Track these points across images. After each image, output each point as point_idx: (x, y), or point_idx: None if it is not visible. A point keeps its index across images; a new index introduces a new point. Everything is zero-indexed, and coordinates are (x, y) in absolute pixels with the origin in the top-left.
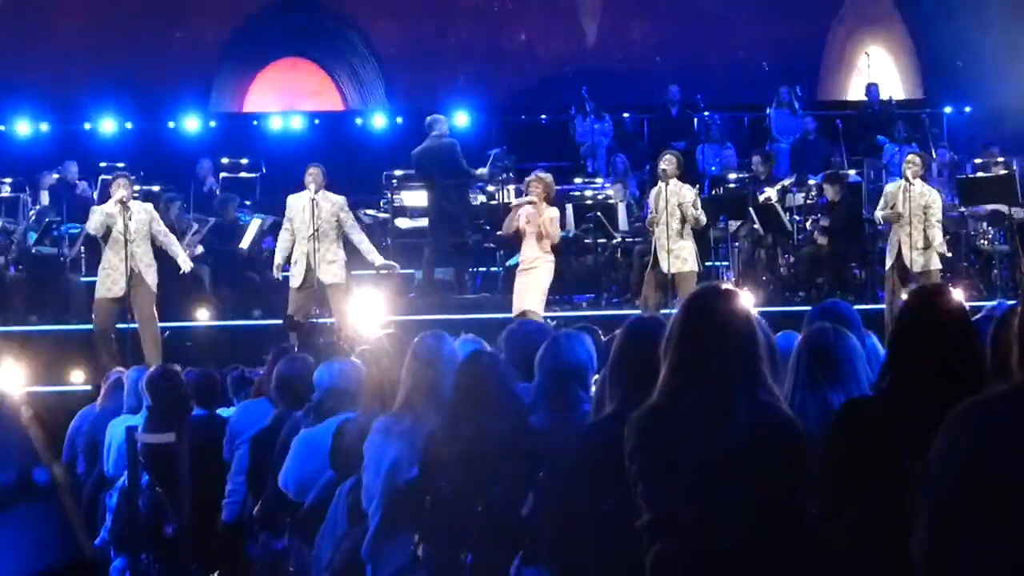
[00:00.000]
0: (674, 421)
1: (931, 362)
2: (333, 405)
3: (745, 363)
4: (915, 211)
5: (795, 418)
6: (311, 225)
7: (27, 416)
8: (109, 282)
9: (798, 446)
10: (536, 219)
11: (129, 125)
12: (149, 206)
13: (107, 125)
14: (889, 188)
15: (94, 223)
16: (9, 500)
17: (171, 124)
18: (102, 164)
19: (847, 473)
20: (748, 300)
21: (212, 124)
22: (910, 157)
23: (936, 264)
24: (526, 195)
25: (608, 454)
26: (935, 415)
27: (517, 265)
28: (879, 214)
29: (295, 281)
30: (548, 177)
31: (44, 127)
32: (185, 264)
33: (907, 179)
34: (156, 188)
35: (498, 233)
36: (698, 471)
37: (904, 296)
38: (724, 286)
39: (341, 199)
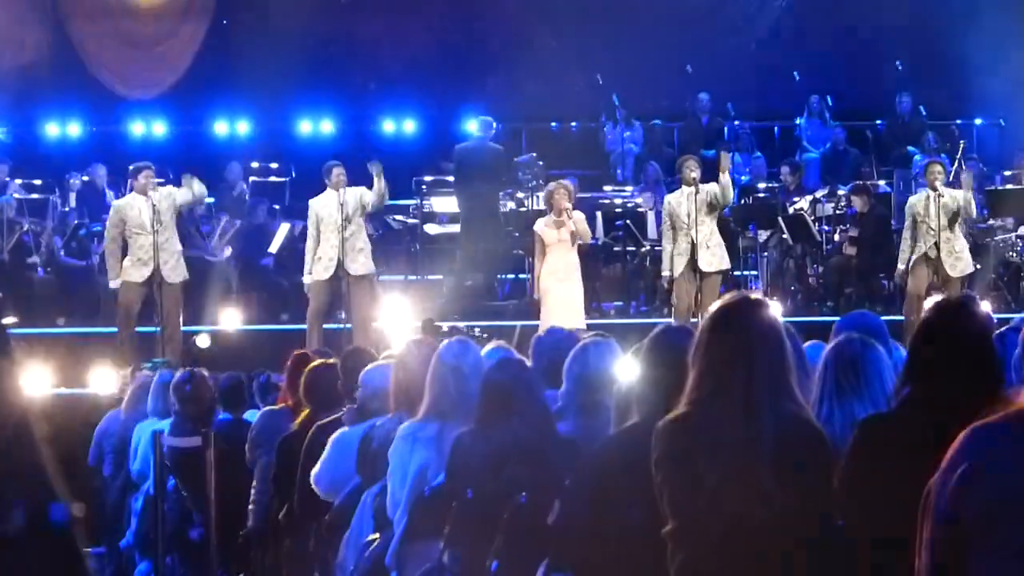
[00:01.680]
0: (701, 430)
1: (950, 379)
2: (377, 407)
3: (772, 372)
4: (947, 217)
5: (821, 427)
6: (339, 217)
7: (42, 440)
8: (132, 270)
9: (824, 455)
10: (567, 226)
11: (160, 128)
12: (170, 188)
13: (137, 128)
14: (913, 200)
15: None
16: (22, 539)
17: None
18: (131, 167)
19: (865, 488)
20: (776, 309)
21: (242, 128)
22: (933, 168)
23: (971, 267)
24: (550, 205)
25: (635, 462)
26: (950, 434)
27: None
28: (900, 269)
29: (324, 273)
30: (569, 184)
31: (73, 129)
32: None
33: (934, 188)
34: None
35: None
36: (724, 480)
37: (926, 307)
38: (752, 295)
39: (362, 188)
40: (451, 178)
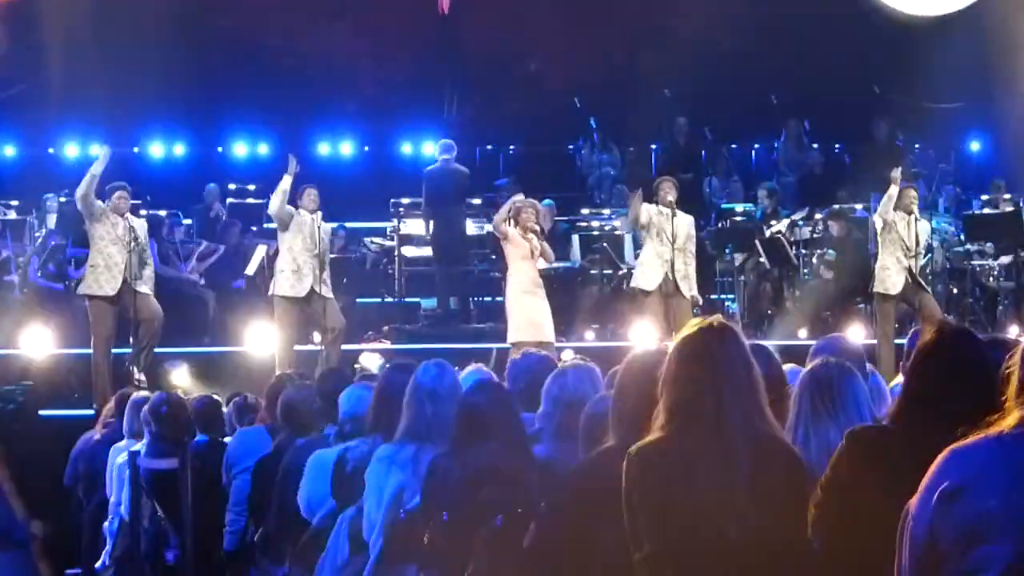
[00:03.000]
0: (673, 456)
1: (948, 399)
2: (353, 430)
3: (742, 397)
4: (923, 243)
5: (795, 448)
6: (316, 244)
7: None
8: (102, 280)
9: (798, 476)
10: (535, 244)
11: (136, 150)
12: (144, 223)
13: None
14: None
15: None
16: None
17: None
18: (107, 187)
19: (850, 499)
20: (740, 333)
21: (220, 149)
22: (909, 192)
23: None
24: (517, 222)
25: (609, 486)
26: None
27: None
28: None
29: (299, 289)
30: (537, 204)
31: (49, 150)
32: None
33: (910, 212)
34: (163, 212)
35: (492, 225)
36: (698, 505)
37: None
38: (717, 321)
39: (330, 227)
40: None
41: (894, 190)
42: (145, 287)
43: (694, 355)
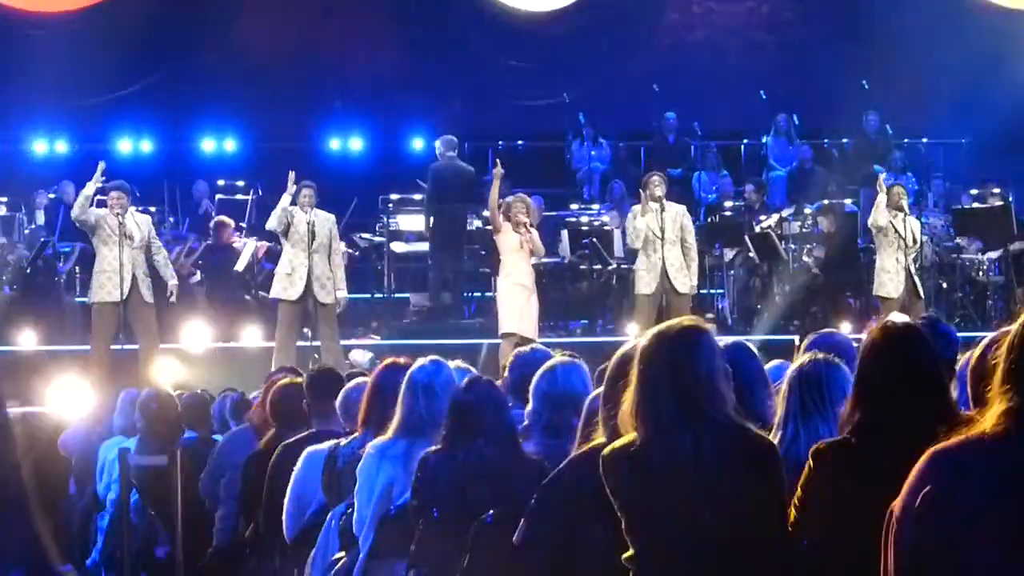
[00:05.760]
0: (647, 457)
1: (898, 403)
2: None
3: (708, 394)
4: (916, 239)
5: (766, 438)
6: (309, 243)
7: (33, 507)
8: (111, 285)
9: (772, 465)
10: (527, 238)
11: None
12: (148, 218)
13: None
14: (881, 218)
15: (79, 206)
16: None
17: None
18: (103, 167)
19: (823, 516)
20: (709, 333)
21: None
22: (897, 189)
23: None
24: (508, 217)
25: (599, 483)
26: (903, 459)
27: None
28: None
29: (293, 293)
30: (528, 199)
31: (40, 147)
32: (171, 281)
33: (901, 209)
34: (152, 209)
35: (485, 213)
36: (675, 504)
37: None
38: (684, 322)
39: (332, 216)
40: (418, 196)
41: (882, 198)
42: (147, 292)
43: (656, 358)
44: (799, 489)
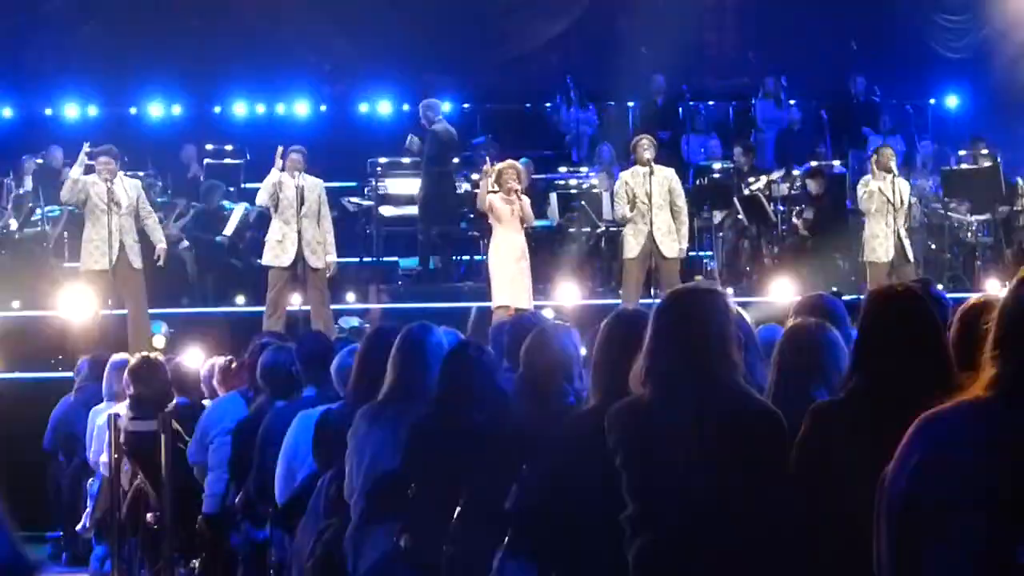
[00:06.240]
0: (652, 416)
1: (898, 365)
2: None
3: (719, 358)
4: (904, 201)
5: (771, 406)
6: (299, 209)
7: None
8: (98, 254)
9: (776, 433)
10: (518, 206)
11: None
12: (137, 183)
13: (91, 111)
14: (871, 182)
15: (67, 190)
16: None
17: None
18: (87, 149)
19: (817, 476)
20: (725, 298)
21: (218, 110)
22: (886, 151)
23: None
24: (499, 184)
25: (590, 447)
26: (901, 421)
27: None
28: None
29: (284, 260)
30: (519, 164)
31: (7, 112)
32: (160, 244)
33: (890, 171)
34: (141, 174)
35: (477, 206)
36: (676, 464)
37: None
38: (702, 286)
39: (321, 182)
40: (406, 160)
41: (873, 183)
42: (136, 258)
43: (676, 318)
44: (794, 449)
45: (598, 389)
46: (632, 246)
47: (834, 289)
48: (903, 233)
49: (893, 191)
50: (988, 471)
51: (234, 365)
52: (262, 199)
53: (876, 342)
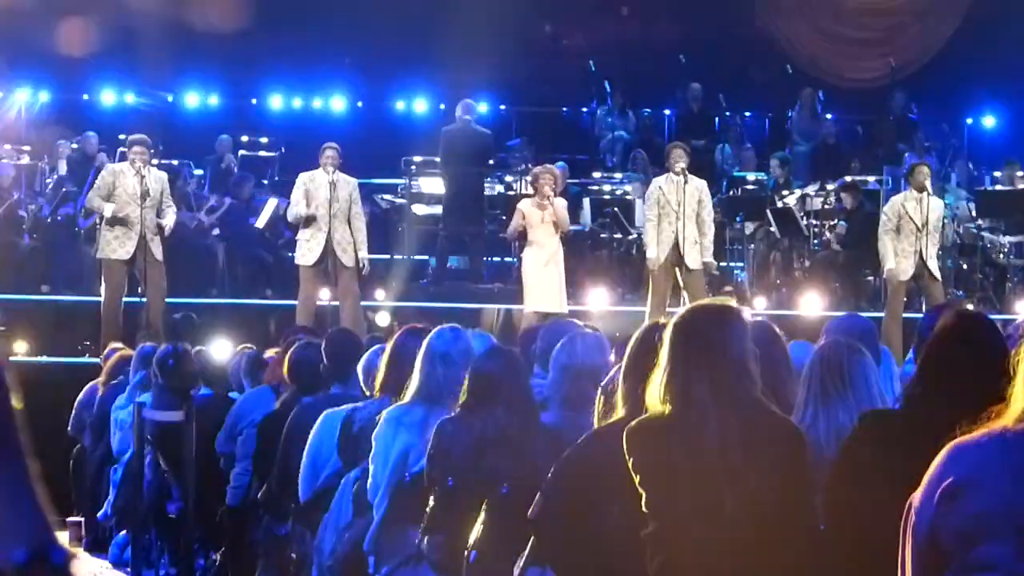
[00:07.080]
0: (671, 433)
1: (964, 385)
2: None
3: (737, 376)
4: (935, 222)
5: (795, 424)
6: (330, 206)
7: (35, 478)
8: (116, 244)
9: (797, 450)
10: (550, 210)
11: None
12: (163, 175)
13: (129, 98)
14: (898, 200)
15: (92, 205)
16: None
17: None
18: (121, 136)
19: (862, 482)
20: (740, 313)
21: (254, 101)
22: (922, 168)
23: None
24: (535, 188)
25: (616, 459)
26: (942, 440)
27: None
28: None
29: (310, 258)
30: (556, 169)
31: (43, 97)
32: (168, 219)
33: (926, 189)
34: (175, 162)
35: (502, 235)
36: (697, 483)
37: (940, 311)
38: (718, 303)
39: (355, 181)
40: (438, 159)
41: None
42: (158, 249)
43: (690, 335)
44: (839, 452)
45: (627, 400)
46: (657, 254)
47: (862, 305)
48: (929, 252)
49: (921, 210)
50: (1016, 500)
51: (266, 355)
52: (290, 216)
53: (940, 360)
